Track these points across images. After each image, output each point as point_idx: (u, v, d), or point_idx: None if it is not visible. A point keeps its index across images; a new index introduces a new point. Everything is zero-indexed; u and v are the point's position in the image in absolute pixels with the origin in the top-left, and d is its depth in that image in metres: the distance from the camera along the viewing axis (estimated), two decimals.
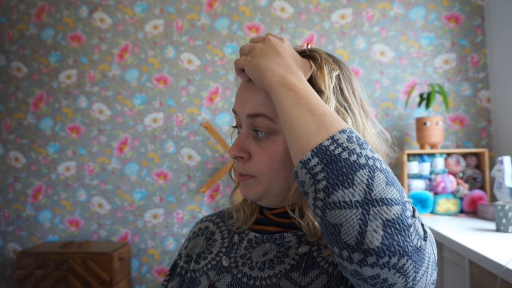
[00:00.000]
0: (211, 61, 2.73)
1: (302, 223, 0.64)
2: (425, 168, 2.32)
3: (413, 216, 0.47)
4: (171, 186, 2.72)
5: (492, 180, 2.25)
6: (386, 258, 0.44)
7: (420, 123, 2.35)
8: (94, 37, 2.81)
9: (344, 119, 0.63)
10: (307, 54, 0.67)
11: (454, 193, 2.25)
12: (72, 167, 2.78)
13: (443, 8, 2.58)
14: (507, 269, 1.15)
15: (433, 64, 2.58)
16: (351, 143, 0.49)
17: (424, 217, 2.18)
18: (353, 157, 0.48)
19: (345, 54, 2.63)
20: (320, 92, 0.62)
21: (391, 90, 2.60)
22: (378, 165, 0.48)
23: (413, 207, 0.48)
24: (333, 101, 0.63)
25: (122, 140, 2.76)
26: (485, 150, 2.26)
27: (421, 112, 2.48)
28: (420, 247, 0.46)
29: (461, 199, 2.24)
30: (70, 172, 2.78)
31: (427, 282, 0.48)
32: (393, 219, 0.44)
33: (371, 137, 0.69)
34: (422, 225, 0.48)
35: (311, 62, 0.65)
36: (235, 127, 0.72)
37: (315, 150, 0.49)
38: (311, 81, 0.63)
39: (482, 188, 2.26)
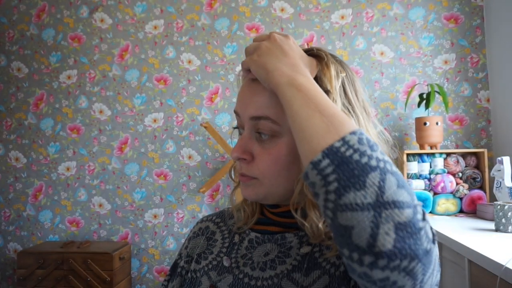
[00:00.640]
0: (211, 61, 2.73)
1: (306, 224, 0.63)
2: (425, 168, 2.32)
3: (424, 219, 0.47)
4: (171, 186, 2.72)
5: (492, 180, 2.26)
6: (398, 261, 0.44)
7: (420, 123, 2.36)
8: (95, 37, 2.81)
9: None
10: (313, 53, 0.66)
11: (453, 193, 2.25)
12: (73, 167, 2.79)
13: (443, 8, 2.59)
14: (507, 269, 1.16)
15: (433, 64, 2.58)
16: (362, 145, 0.49)
17: None
18: (365, 159, 0.47)
19: (345, 54, 2.64)
20: (326, 92, 0.62)
21: (390, 90, 2.61)
22: (389, 168, 0.48)
23: (423, 210, 0.48)
24: (339, 102, 0.63)
25: (123, 140, 2.77)
26: (484, 150, 2.27)
27: (421, 112, 2.49)
28: (430, 249, 0.46)
29: (461, 199, 2.24)
30: (70, 172, 2.79)
31: (432, 284, 0.48)
32: (405, 222, 0.44)
33: (372, 138, 0.68)
34: (431, 227, 0.48)
35: (317, 61, 0.65)
36: (236, 128, 0.71)
37: (326, 151, 0.49)
38: (316, 80, 0.62)
39: (482, 188, 2.27)
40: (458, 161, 2.30)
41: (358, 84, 0.69)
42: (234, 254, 0.71)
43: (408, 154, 2.35)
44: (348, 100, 0.66)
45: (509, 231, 1.65)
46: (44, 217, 2.79)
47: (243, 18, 2.72)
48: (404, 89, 2.59)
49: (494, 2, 2.45)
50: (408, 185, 0.48)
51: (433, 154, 2.32)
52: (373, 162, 0.48)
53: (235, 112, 0.68)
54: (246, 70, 0.64)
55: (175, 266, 0.80)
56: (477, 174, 2.27)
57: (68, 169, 2.79)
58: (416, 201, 0.47)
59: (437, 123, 2.33)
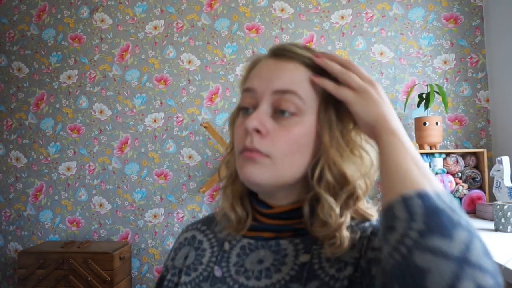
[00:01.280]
0: (211, 61, 2.73)
1: (320, 208, 0.62)
2: None
3: None
4: (171, 186, 2.73)
5: (491, 180, 2.26)
6: None
7: (419, 123, 2.36)
8: (95, 37, 2.82)
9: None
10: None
11: (453, 193, 2.26)
12: (73, 167, 2.79)
13: (442, 8, 2.59)
14: (506, 269, 1.16)
15: (432, 65, 2.59)
16: (453, 204, 0.49)
17: None
18: (456, 216, 0.48)
19: (344, 54, 2.64)
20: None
21: (390, 90, 2.61)
22: (477, 234, 0.48)
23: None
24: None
25: (123, 140, 2.77)
26: (484, 150, 2.27)
27: (420, 112, 2.49)
28: None
29: (460, 199, 2.25)
30: (70, 172, 2.79)
31: None
32: (485, 286, 0.43)
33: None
34: None
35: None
36: (242, 108, 0.67)
37: (420, 192, 0.49)
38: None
39: (481, 188, 2.27)
40: (457, 161, 2.31)
41: None
42: (225, 263, 0.68)
43: None
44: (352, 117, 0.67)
45: (509, 231, 1.65)
46: (44, 217, 2.79)
47: (243, 18, 2.73)
48: (404, 89, 2.59)
49: (494, 3, 2.45)
50: (493, 257, 0.47)
51: (432, 154, 2.33)
52: (463, 222, 0.48)
53: (247, 89, 0.66)
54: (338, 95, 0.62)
55: (161, 280, 0.76)
56: (477, 174, 2.28)
57: (68, 169, 2.79)
58: (499, 277, 0.46)
59: (436, 123, 2.34)
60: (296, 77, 0.63)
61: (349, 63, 0.62)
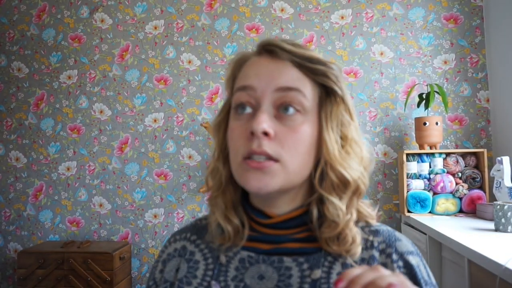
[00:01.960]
0: (211, 61, 2.73)
1: (328, 208, 0.61)
2: (424, 168, 2.32)
3: None
4: (171, 186, 2.72)
5: (491, 180, 2.26)
6: None
7: (419, 123, 2.36)
8: (95, 37, 2.82)
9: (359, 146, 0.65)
10: (330, 86, 0.66)
11: (453, 193, 2.26)
12: (73, 167, 2.79)
13: (442, 8, 2.59)
14: (506, 269, 1.16)
15: (432, 65, 2.59)
16: None
17: (423, 217, 2.19)
18: None
19: (344, 54, 2.64)
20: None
21: (390, 90, 2.61)
22: None
23: None
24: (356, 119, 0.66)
25: (123, 140, 2.77)
26: (484, 150, 2.27)
27: (420, 112, 2.49)
28: None
29: (460, 199, 2.25)
30: (70, 172, 2.79)
31: None
32: None
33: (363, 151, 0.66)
34: None
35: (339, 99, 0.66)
36: (237, 107, 0.63)
37: None
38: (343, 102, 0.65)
39: (481, 188, 2.27)
40: (457, 161, 2.30)
41: (350, 98, 0.69)
42: (223, 277, 0.64)
43: (407, 154, 2.35)
44: (350, 113, 0.66)
45: (509, 231, 1.65)
46: (44, 217, 2.79)
47: (243, 18, 2.72)
48: (404, 89, 2.59)
49: (494, 2, 2.45)
50: None
51: (432, 154, 2.33)
52: None
53: (244, 87, 0.62)
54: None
55: None
56: (477, 174, 2.27)
57: (68, 169, 2.79)
58: None
59: (436, 123, 2.33)
60: (295, 75, 0.62)
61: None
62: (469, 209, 2.22)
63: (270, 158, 0.59)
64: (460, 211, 2.25)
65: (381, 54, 2.62)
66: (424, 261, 0.65)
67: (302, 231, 0.64)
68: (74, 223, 2.77)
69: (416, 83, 2.56)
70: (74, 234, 2.77)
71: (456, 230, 1.75)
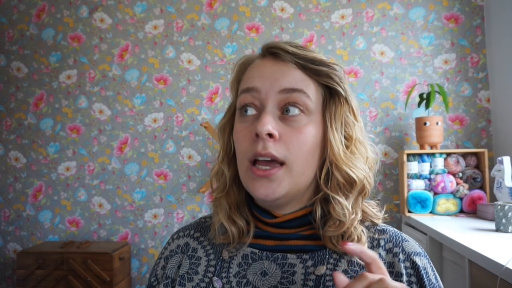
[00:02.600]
0: (211, 61, 2.73)
1: (335, 208, 0.61)
2: (425, 168, 2.32)
3: None
4: (171, 186, 2.72)
5: (492, 180, 2.25)
6: None
7: (420, 123, 2.35)
8: (94, 37, 2.81)
9: (364, 148, 0.65)
10: (333, 87, 0.66)
11: (453, 193, 2.25)
12: (72, 167, 2.79)
13: (443, 8, 2.59)
14: (507, 269, 1.16)
15: (433, 64, 2.58)
16: None
17: (424, 217, 2.18)
18: None
19: (345, 54, 2.64)
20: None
21: (391, 90, 2.60)
22: None
23: None
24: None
25: (122, 140, 2.77)
26: (484, 150, 2.26)
27: (421, 112, 2.48)
28: None
29: (461, 199, 2.24)
30: (70, 172, 2.78)
31: None
32: None
33: (368, 153, 0.67)
34: None
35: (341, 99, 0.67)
36: (241, 108, 0.64)
37: None
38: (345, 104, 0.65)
39: (482, 188, 2.27)
40: (458, 161, 2.30)
41: (354, 99, 0.69)
42: (225, 273, 0.64)
43: (408, 154, 2.34)
44: (354, 113, 0.66)
45: (510, 231, 1.65)
46: (43, 217, 2.79)
47: (243, 18, 2.72)
48: (404, 89, 2.59)
49: (494, 2, 2.45)
50: None
51: (433, 154, 2.32)
52: None
53: (248, 88, 0.63)
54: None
55: None
56: (478, 174, 2.27)
57: (68, 169, 2.79)
58: None
59: (437, 123, 2.33)
60: (299, 77, 0.62)
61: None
62: (470, 209, 2.21)
63: (275, 160, 0.59)
64: (461, 211, 2.24)
65: (382, 53, 2.62)
66: (431, 263, 0.65)
67: (307, 229, 0.65)
68: (74, 223, 2.77)
69: (417, 83, 2.55)
70: (74, 235, 2.76)
71: (456, 231, 1.75)
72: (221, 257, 0.66)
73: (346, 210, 0.61)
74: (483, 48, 2.54)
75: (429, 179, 2.31)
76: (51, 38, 2.84)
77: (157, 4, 2.78)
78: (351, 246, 0.52)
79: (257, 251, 0.65)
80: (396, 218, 2.52)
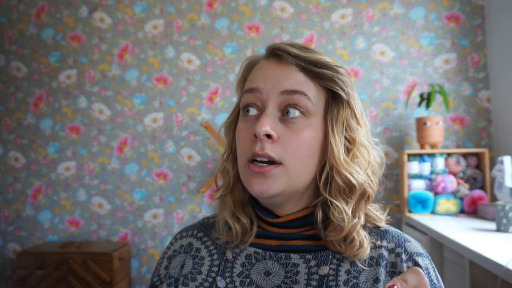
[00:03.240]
0: (211, 61, 2.72)
1: (333, 212, 0.61)
2: (425, 168, 2.31)
3: None
4: (171, 186, 2.71)
5: (493, 180, 2.25)
6: None
7: (420, 123, 2.35)
8: (94, 37, 2.81)
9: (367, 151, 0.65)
10: (337, 91, 0.66)
11: (454, 193, 2.25)
12: (72, 167, 2.78)
13: (443, 8, 2.58)
14: (507, 269, 1.15)
15: (433, 64, 2.58)
16: None
17: (424, 217, 2.18)
18: None
19: (345, 54, 2.63)
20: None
21: (391, 90, 2.60)
22: None
23: None
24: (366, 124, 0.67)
25: (122, 140, 2.76)
26: (485, 150, 2.26)
27: (421, 112, 2.48)
28: None
29: (462, 199, 2.24)
30: (70, 172, 2.78)
31: None
32: None
33: (372, 156, 0.66)
34: None
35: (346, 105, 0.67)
36: (244, 108, 0.65)
37: None
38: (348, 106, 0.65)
39: (483, 188, 2.26)
40: (459, 161, 2.29)
41: (359, 102, 0.69)
42: (228, 273, 0.65)
43: (408, 154, 2.34)
44: (356, 118, 0.66)
45: (510, 231, 1.64)
46: (43, 217, 2.78)
47: (243, 17, 2.71)
48: (405, 89, 2.58)
49: (495, 2, 2.44)
50: None
51: (433, 154, 2.32)
52: None
53: (251, 89, 0.64)
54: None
55: None
56: (478, 174, 2.26)
57: (67, 169, 2.78)
58: None
59: (437, 123, 2.32)
60: (301, 79, 0.63)
61: None
62: (470, 210, 2.21)
63: (272, 160, 0.60)
64: (461, 211, 2.24)
65: (382, 53, 2.61)
66: (433, 264, 0.65)
67: (310, 230, 0.65)
68: (73, 223, 2.77)
69: (417, 82, 2.55)
70: (73, 235, 2.76)
71: (457, 231, 1.75)
72: (225, 257, 0.66)
73: (345, 215, 0.61)
74: (483, 48, 2.54)
75: (430, 179, 2.30)
76: (51, 38, 2.84)
77: (157, 4, 2.77)
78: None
79: (260, 251, 0.65)
80: (397, 218, 2.52)
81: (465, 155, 2.33)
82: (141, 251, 2.71)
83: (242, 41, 2.70)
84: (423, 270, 0.62)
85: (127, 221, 2.73)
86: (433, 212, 2.25)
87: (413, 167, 2.32)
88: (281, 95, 0.62)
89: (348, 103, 0.65)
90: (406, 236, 0.67)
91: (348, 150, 0.63)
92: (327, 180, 0.63)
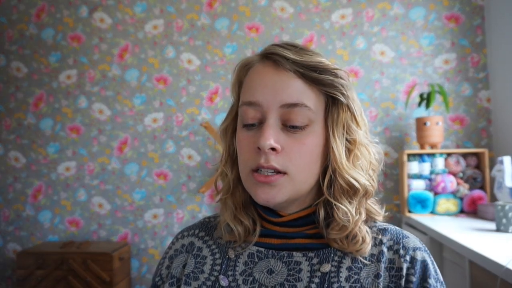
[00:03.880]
0: (211, 61, 2.72)
1: (337, 213, 0.62)
2: (425, 168, 2.31)
3: None
4: (171, 186, 2.72)
5: (492, 180, 2.25)
6: None
7: (420, 123, 2.35)
8: (94, 37, 2.81)
9: (367, 150, 0.66)
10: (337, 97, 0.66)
11: (454, 193, 2.25)
12: (72, 167, 2.78)
13: (443, 8, 2.58)
14: (507, 269, 1.15)
15: (433, 64, 2.58)
16: None
17: (424, 217, 2.18)
18: None
19: (345, 54, 2.63)
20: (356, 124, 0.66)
21: (391, 90, 2.60)
22: None
23: None
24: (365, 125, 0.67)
25: (122, 140, 2.76)
26: (485, 150, 2.26)
27: (421, 112, 2.48)
28: None
29: (461, 199, 2.24)
30: (70, 172, 2.78)
31: None
32: None
33: (371, 154, 0.67)
34: None
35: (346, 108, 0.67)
36: (249, 125, 0.64)
37: None
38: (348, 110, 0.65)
39: (482, 188, 2.26)
40: (458, 161, 2.29)
41: (358, 101, 0.68)
42: (231, 271, 0.65)
43: (408, 154, 2.34)
44: (356, 120, 0.66)
45: (510, 231, 1.64)
46: (43, 217, 2.78)
47: (243, 17, 2.72)
48: (405, 89, 2.58)
49: (495, 2, 2.44)
50: None
51: (433, 154, 2.32)
52: None
53: (251, 102, 0.63)
54: None
55: None
56: (478, 174, 2.27)
57: (67, 169, 2.78)
58: None
59: (437, 123, 2.33)
60: (299, 87, 0.62)
61: None
62: (470, 210, 2.21)
63: (277, 171, 0.61)
64: (461, 211, 2.24)
65: (382, 53, 2.61)
66: (431, 257, 0.66)
67: (312, 228, 0.66)
68: (74, 223, 2.77)
69: (417, 83, 2.55)
70: (74, 235, 2.76)
71: (457, 231, 1.75)
72: (227, 256, 0.67)
73: (350, 215, 0.62)
74: (483, 48, 2.54)
75: (430, 179, 2.31)
76: (51, 38, 2.84)
77: (157, 4, 2.77)
78: None
79: (263, 249, 0.66)
80: (396, 218, 2.52)
81: (465, 155, 2.33)
82: (141, 251, 2.71)
83: (242, 41, 2.71)
84: (420, 264, 0.63)
85: (127, 221, 2.73)
86: (433, 212, 2.25)
87: (413, 167, 2.33)
88: (281, 108, 0.61)
89: (348, 106, 0.65)
90: (405, 232, 0.68)
91: (349, 151, 0.64)
92: (330, 182, 0.64)
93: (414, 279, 0.61)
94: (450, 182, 2.24)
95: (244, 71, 0.68)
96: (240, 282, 0.63)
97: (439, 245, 1.86)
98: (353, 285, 0.61)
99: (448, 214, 2.22)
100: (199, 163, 2.70)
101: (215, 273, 0.66)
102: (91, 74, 2.80)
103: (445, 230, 1.77)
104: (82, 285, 2.37)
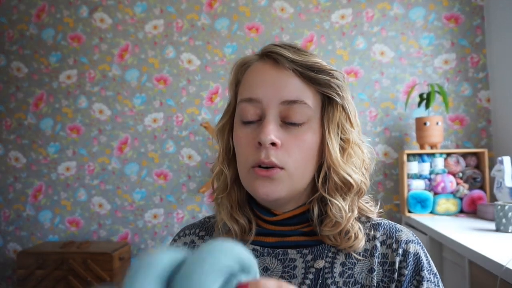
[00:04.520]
0: (211, 61, 2.73)
1: (331, 210, 0.63)
2: (425, 168, 2.32)
3: None
4: (171, 186, 2.72)
5: (492, 180, 2.25)
6: None
7: (420, 123, 2.35)
8: (94, 37, 2.81)
9: (360, 148, 0.67)
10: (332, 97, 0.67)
11: (454, 193, 2.25)
12: (72, 167, 2.79)
13: (443, 8, 2.58)
14: (507, 269, 1.15)
15: (433, 64, 2.58)
16: None
17: (424, 217, 2.18)
18: None
19: (345, 54, 2.63)
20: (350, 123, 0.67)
21: (391, 90, 2.60)
22: None
23: None
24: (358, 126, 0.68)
25: (122, 140, 2.76)
26: (485, 150, 2.26)
27: (421, 112, 2.48)
28: None
29: (461, 199, 2.24)
30: (70, 172, 2.78)
31: None
32: None
33: (364, 154, 0.69)
34: None
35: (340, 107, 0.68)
36: (248, 122, 0.65)
37: None
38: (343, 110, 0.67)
39: (482, 188, 2.27)
40: (458, 161, 2.30)
41: (350, 96, 0.70)
42: None
43: (408, 154, 2.34)
44: (350, 120, 0.68)
45: (510, 231, 1.65)
46: (43, 217, 2.79)
47: (243, 18, 2.72)
48: (404, 89, 2.59)
49: (495, 2, 2.45)
50: None
51: (433, 154, 2.32)
52: None
53: (250, 99, 0.64)
54: None
55: None
56: (478, 174, 2.27)
57: (68, 169, 2.79)
58: None
59: (437, 123, 2.33)
60: (298, 85, 0.63)
61: None
62: (470, 210, 2.21)
63: (276, 166, 0.62)
64: (461, 211, 2.24)
65: (382, 53, 2.61)
66: (424, 249, 0.67)
67: (306, 226, 0.67)
68: (74, 223, 2.77)
69: (417, 83, 2.55)
70: (74, 235, 2.76)
71: (456, 231, 1.75)
72: None
73: (343, 212, 0.63)
74: (483, 48, 2.54)
75: (429, 179, 2.31)
76: (51, 38, 2.84)
77: (157, 4, 2.77)
78: None
79: (258, 248, 0.67)
80: (396, 218, 2.52)
81: (464, 155, 2.33)
82: (141, 251, 2.71)
83: (242, 41, 2.71)
84: (413, 256, 0.64)
85: (127, 221, 2.73)
86: (432, 212, 2.25)
87: (413, 167, 2.33)
88: (281, 105, 0.63)
89: (343, 107, 0.66)
90: (398, 226, 0.69)
91: (343, 149, 0.65)
92: (324, 179, 0.65)
93: (406, 272, 0.62)
94: (450, 182, 2.24)
95: (242, 70, 0.69)
96: None
97: (439, 245, 1.86)
98: (347, 280, 0.62)
99: (447, 214, 2.22)
100: (199, 163, 2.70)
101: None
102: (91, 74, 2.80)
103: (445, 230, 1.77)
104: (82, 285, 2.37)
